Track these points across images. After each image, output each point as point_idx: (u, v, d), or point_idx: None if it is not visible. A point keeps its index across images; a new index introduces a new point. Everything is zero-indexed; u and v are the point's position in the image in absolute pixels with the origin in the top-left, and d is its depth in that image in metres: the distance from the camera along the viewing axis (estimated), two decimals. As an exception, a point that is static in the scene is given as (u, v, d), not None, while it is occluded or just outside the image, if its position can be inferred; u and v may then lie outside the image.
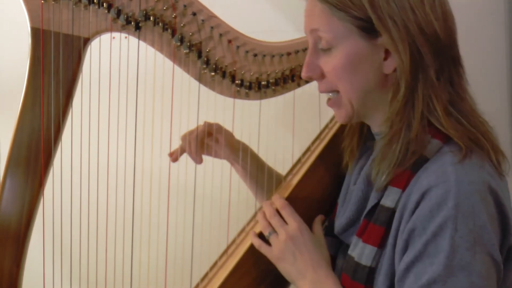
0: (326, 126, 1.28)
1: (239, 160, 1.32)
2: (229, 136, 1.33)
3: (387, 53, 0.95)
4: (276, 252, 1.06)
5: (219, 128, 1.32)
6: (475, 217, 0.86)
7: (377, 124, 1.03)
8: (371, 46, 0.95)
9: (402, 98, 0.94)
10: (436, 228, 0.86)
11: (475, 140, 0.93)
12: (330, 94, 1.03)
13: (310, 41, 1.01)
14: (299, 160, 1.26)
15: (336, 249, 1.12)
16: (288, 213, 1.08)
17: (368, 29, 0.94)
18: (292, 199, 1.13)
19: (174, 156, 1.31)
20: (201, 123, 1.24)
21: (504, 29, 1.68)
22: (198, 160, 1.31)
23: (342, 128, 1.19)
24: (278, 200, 1.11)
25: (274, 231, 1.07)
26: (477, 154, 0.92)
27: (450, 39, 0.96)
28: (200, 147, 1.30)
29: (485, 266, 0.86)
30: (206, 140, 1.32)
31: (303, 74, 1.03)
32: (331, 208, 1.17)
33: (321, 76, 1.01)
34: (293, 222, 1.06)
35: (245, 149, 1.33)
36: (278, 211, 1.10)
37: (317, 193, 1.18)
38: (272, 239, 1.07)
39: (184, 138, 1.31)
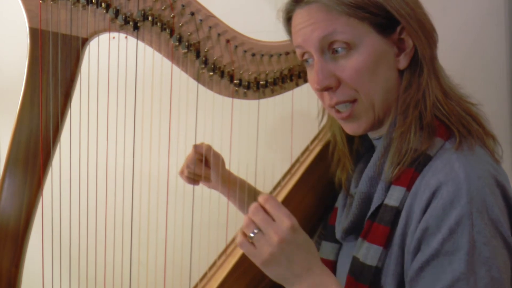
0: (317, 135, 1.29)
1: (227, 189, 1.34)
2: (217, 158, 1.34)
3: (399, 49, 0.98)
4: (265, 256, 0.88)
5: (209, 149, 1.33)
6: (488, 211, 0.86)
7: (380, 131, 1.03)
8: (387, 42, 0.97)
9: (423, 86, 0.96)
10: (452, 225, 0.85)
11: (468, 126, 0.95)
12: (343, 106, 1.00)
13: (317, 50, 0.98)
14: (288, 171, 1.26)
15: (336, 254, 1.12)
16: (275, 207, 0.89)
17: (383, 26, 0.96)
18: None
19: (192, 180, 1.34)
20: (199, 122, 1.24)
21: (504, 29, 1.68)
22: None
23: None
24: (261, 197, 0.92)
25: (259, 230, 0.89)
26: (471, 142, 0.94)
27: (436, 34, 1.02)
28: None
29: (503, 258, 0.86)
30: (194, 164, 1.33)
31: (319, 86, 0.98)
32: (326, 214, 1.17)
33: (337, 84, 0.98)
34: (285, 219, 0.88)
35: (234, 180, 1.35)
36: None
37: (308, 204, 1.18)
38: (257, 240, 0.89)
39: (189, 164, 1.34)
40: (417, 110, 0.96)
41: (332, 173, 1.15)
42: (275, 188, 1.25)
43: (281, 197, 1.18)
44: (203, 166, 1.33)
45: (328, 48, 0.97)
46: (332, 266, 1.12)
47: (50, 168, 1.11)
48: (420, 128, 0.95)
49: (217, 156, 1.34)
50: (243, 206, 1.33)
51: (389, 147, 0.97)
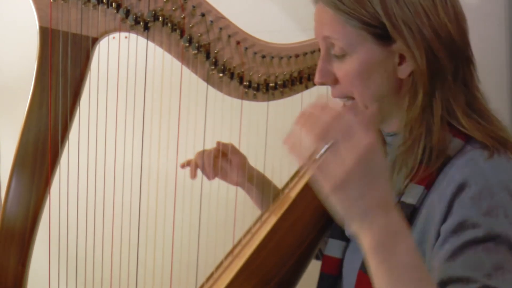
0: None
1: (253, 188, 1.33)
2: (242, 158, 1.34)
3: (402, 58, 0.94)
4: (340, 175, 0.69)
5: (234, 149, 1.33)
6: None
7: (391, 126, 1.03)
8: (385, 52, 0.94)
9: (420, 103, 0.93)
10: (485, 213, 0.83)
11: (497, 138, 0.93)
12: (345, 100, 1.01)
13: (323, 47, 0.99)
14: (296, 173, 1.27)
15: (343, 252, 1.12)
16: (358, 115, 0.71)
17: (382, 36, 0.93)
18: (292, 209, 1.15)
19: (193, 173, 1.33)
20: (208, 123, 1.24)
21: (504, 29, 1.68)
22: (211, 176, 1.34)
23: None
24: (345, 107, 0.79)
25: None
26: (503, 152, 0.92)
27: (463, 40, 0.95)
28: (213, 165, 1.32)
29: None
30: (220, 161, 1.33)
31: (316, 80, 1.01)
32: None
33: (335, 82, 0.99)
34: (365, 133, 0.69)
35: (251, 176, 1.34)
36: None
37: (318, 205, 1.17)
38: (330, 155, 0.69)
39: (198, 154, 1.33)
40: (423, 126, 0.94)
41: None
42: (283, 190, 1.26)
43: (290, 198, 1.18)
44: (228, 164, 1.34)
45: (332, 47, 0.98)
46: (338, 264, 1.12)
47: (58, 168, 1.11)
48: (430, 146, 0.93)
49: (242, 156, 1.34)
50: (264, 207, 1.34)
51: (395, 163, 0.97)
